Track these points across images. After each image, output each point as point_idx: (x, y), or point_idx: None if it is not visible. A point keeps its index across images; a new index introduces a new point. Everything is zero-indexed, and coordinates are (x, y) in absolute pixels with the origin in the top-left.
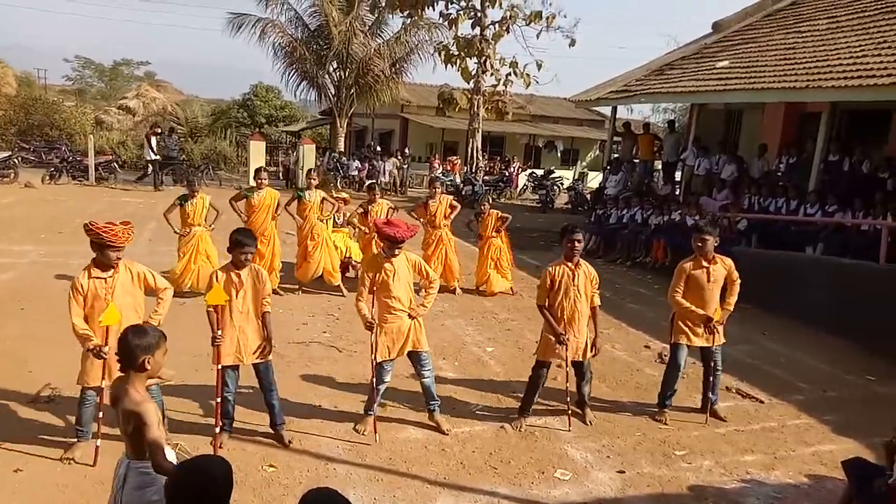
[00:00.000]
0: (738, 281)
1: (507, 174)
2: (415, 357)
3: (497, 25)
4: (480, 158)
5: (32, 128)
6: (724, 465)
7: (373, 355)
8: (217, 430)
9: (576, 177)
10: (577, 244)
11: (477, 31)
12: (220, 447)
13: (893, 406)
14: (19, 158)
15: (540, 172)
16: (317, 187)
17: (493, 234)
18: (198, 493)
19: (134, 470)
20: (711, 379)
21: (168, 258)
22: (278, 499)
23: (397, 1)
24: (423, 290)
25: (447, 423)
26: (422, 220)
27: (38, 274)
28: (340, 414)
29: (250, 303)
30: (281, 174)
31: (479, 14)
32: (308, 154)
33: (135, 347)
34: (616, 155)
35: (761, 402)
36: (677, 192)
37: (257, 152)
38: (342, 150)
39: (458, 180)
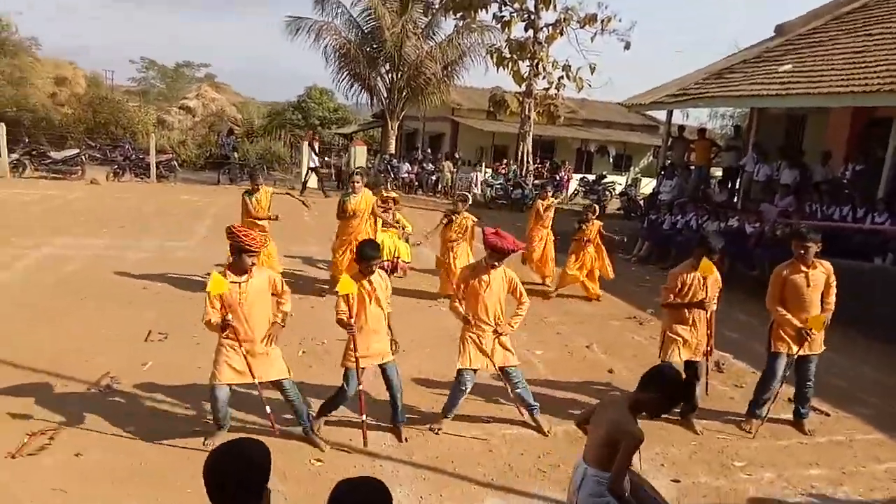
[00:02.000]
0: (835, 283)
1: (556, 179)
2: (504, 372)
3: (550, 28)
4: (531, 162)
5: (99, 126)
6: (787, 479)
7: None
8: (363, 419)
9: (628, 182)
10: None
11: (530, 33)
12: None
13: None
14: (86, 156)
15: (591, 178)
16: (367, 186)
17: (593, 241)
18: (233, 473)
19: (591, 478)
20: (806, 392)
21: (221, 254)
22: (324, 492)
23: (451, 3)
24: (515, 310)
25: (547, 424)
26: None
27: (99, 267)
28: (387, 411)
29: (378, 307)
30: (333, 175)
31: (532, 16)
32: (359, 156)
33: None
34: (668, 161)
35: (827, 414)
36: (735, 200)
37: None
38: (393, 152)
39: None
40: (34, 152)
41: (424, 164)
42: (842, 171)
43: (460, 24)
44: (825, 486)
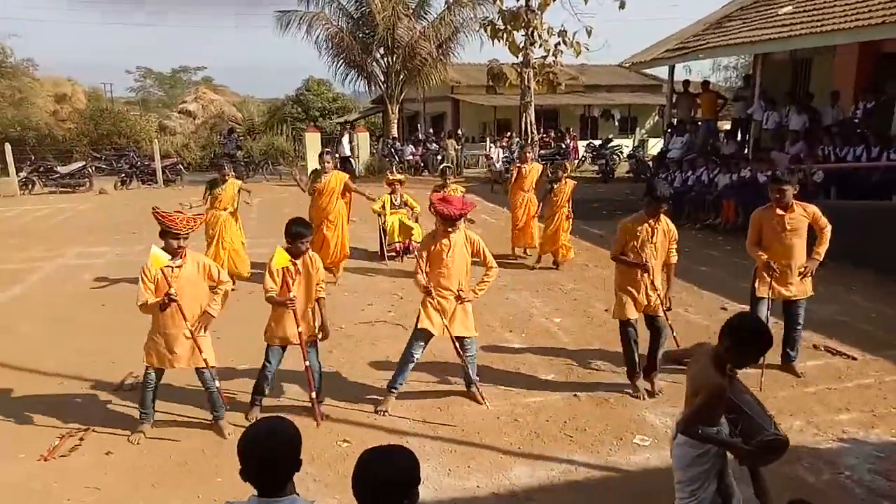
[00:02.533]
0: (828, 227)
1: (563, 147)
2: (459, 341)
3: None
4: (535, 133)
5: (102, 138)
6: (818, 425)
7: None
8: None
9: (635, 144)
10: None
11: (522, 1)
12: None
13: None
14: (92, 168)
15: (597, 143)
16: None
17: (566, 203)
18: (268, 452)
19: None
20: (793, 335)
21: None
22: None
23: None
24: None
25: (484, 396)
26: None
27: (114, 273)
28: (411, 390)
29: (304, 290)
30: (336, 164)
31: None
32: (361, 142)
33: None
34: (674, 119)
35: (854, 358)
36: (745, 150)
37: (313, 144)
38: (395, 135)
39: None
40: (41, 169)
41: (428, 145)
42: (852, 110)
43: (451, 0)
44: (856, 429)
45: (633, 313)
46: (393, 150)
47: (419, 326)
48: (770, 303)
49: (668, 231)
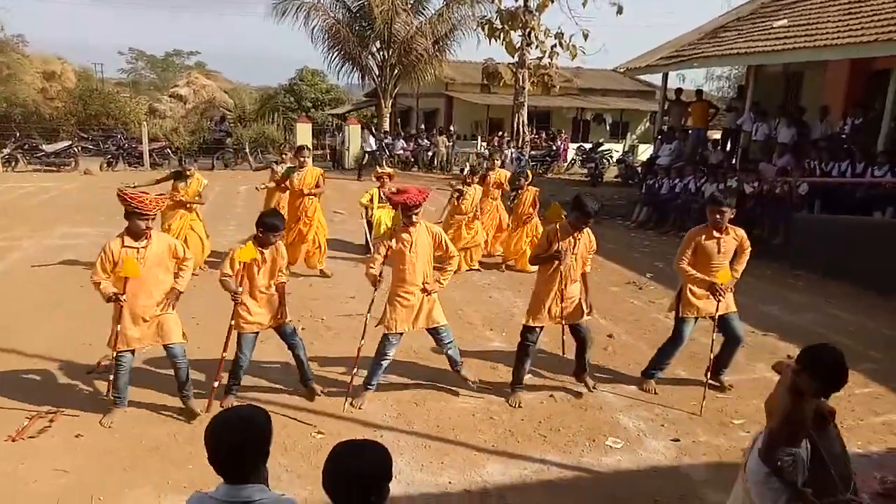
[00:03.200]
0: (749, 250)
1: (554, 148)
2: (433, 332)
3: None
4: (527, 133)
5: (90, 118)
6: None
7: (367, 316)
8: (215, 385)
9: (625, 149)
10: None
11: (521, 2)
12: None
13: None
14: (79, 147)
15: (588, 146)
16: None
17: (530, 211)
18: (238, 438)
19: (757, 448)
20: (732, 350)
21: (223, 235)
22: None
23: None
24: (442, 265)
25: (472, 375)
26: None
27: (95, 254)
28: (387, 383)
29: (268, 277)
30: (328, 156)
31: None
32: (353, 135)
33: None
34: (665, 126)
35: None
36: (733, 161)
37: (304, 134)
38: (387, 130)
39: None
40: (26, 146)
41: (420, 140)
42: (840, 126)
43: None
44: None
45: (542, 321)
46: (384, 144)
47: (385, 331)
48: (695, 322)
49: (590, 243)
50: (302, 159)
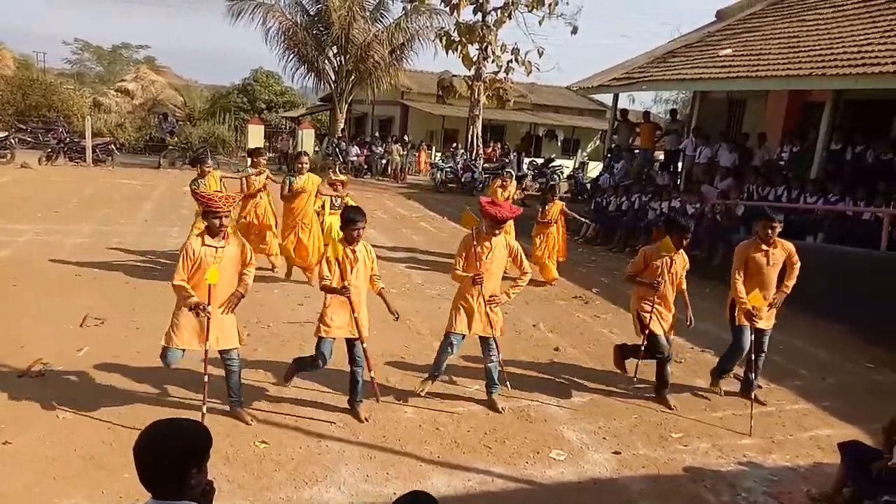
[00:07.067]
0: (798, 264)
1: (507, 161)
2: (483, 342)
3: (499, 11)
4: (481, 146)
5: (30, 109)
6: (721, 448)
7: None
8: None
9: (576, 166)
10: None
11: (479, 16)
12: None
13: (892, 394)
14: (16, 139)
15: (540, 161)
16: (312, 171)
17: (553, 222)
18: (167, 449)
19: None
20: (758, 362)
21: (164, 238)
22: (269, 474)
23: None
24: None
25: (502, 402)
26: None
27: (33, 252)
28: (332, 393)
29: (360, 279)
30: (278, 160)
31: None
32: (306, 138)
33: None
34: (612, 145)
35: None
36: (678, 182)
37: (256, 136)
38: (341, 135)
39: (457, 166)
40: None
41: (374, 147)
42: (778, 152)
43: (408, 6)
44: (756, 454)
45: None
46: (338, 149)
47: (448, 329)
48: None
49: (684, 262)
50: (300, 165)
